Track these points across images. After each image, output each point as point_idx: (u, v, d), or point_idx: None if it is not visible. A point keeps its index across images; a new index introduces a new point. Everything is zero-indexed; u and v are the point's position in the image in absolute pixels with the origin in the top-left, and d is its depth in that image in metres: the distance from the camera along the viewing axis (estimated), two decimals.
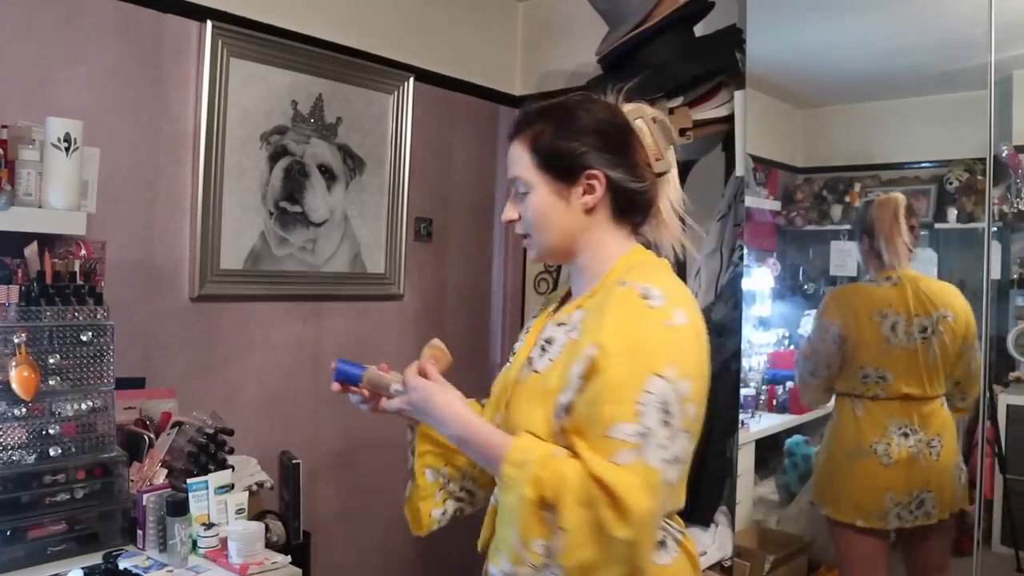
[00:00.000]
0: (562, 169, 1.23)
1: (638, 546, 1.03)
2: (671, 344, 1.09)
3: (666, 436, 1.05)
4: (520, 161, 1.25)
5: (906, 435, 1.93)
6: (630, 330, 1.09)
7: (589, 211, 1.23)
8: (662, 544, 1.19)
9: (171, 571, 1.69)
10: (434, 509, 1.40)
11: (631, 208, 1.26)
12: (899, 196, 1.99)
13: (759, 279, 2.33)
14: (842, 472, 2.03)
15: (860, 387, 2.00)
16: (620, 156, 1.23)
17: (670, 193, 1.29)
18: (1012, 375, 1.91)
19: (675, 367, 1.07)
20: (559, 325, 1.24)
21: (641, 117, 1.27)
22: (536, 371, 1.21)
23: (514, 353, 1.34)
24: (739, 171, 2.17)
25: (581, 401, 1.10)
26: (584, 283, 1.27)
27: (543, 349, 1.23)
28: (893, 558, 2.01)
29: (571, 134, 1.23)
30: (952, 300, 1.93)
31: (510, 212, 1.28)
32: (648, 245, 1.30)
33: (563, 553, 1.04)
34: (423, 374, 1.27)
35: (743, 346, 2.20)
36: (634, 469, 1.03)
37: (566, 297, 1.35)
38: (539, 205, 1.24)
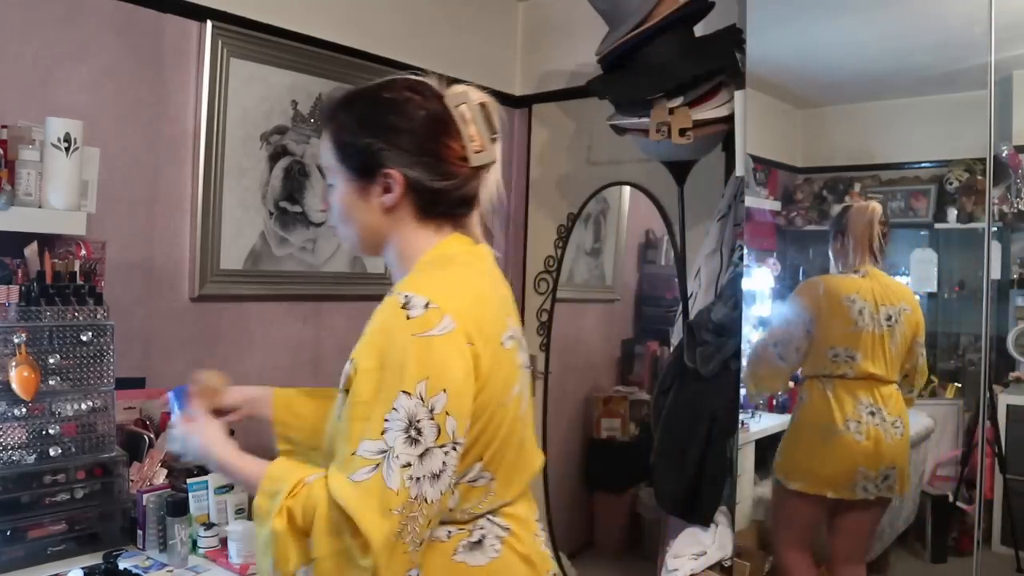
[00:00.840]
0: (358, 166, 1.17)
1: (379, 571, 0.99)
2: (423, 358, 1.02)
3: (413, 454, 1.00)
4: (325, 152, 1.21)
5: (872, 414, 2.06)
6: (382, 344, 1.04)
7: (389, 210, 1.17)
8: (478, 544, 1.14)
9: (171, 571, 1.69)
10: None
11: (438, 206, 1.18)
12: (875, 205, 2.10)
13: (759, 279, 2.33)
14: (815, 449, 2.14)
15: (830, 366, 2.10)
16: (422, 154, 1.15)
17: (490, 188, 1.21)
18: (1012, 375, 1.91)
19: (425, 382, 1.01)
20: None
21: (465, 103, 1.18)
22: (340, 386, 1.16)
23: None
24: (739, 171, 2.17)
25: (341, 413, 1.07)
26: (397, 279, 1.21)
27: (352, 360, 1.17)
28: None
29: (369, 128, 1.16)
30: (908, 296, 2.09)
31: (323, 202, 1.26)
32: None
33: None
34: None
35: (743, 346, 2.20)
36: (369, 489, 0.99)
37: None
38: (340, 201, 1.19)
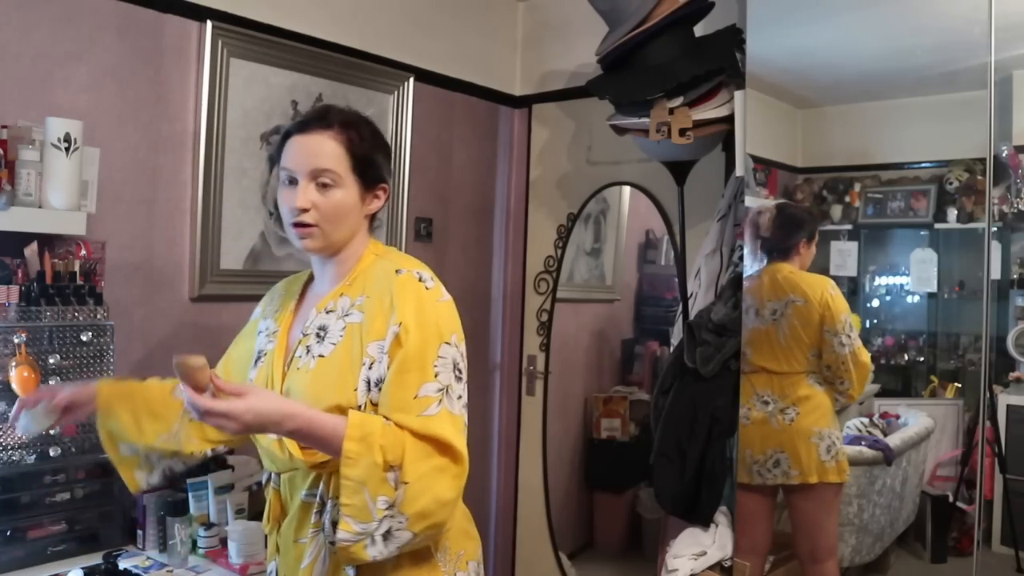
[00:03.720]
0: (370, 177, 1.39)
1: (463, 476, 1.25)
2: (448, 316, 1.34)
3: (462, 388, 1.31)
4: (334, 156, 1.35)
5: (766, 403, 2.15)
6: (419, 308, 1.30)
7: (367, 216, 1.43)
8: None
9: (171, 571, 1.69)
10: (147, 476, 1.55)
11: (378, 213, 1.47)
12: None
13: None
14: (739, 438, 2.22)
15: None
16: (390, 173, 1.48)
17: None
18: (1012, 375, 1.91)
19: (455, 334, 1.33)
20: (328, 312, 1.37)
21: None
22: (322, 356, 1.33)
23: (263, 352, 1.46)
24: (739, 171, 2.17)
25: (390, 372, 1.28)
26: (336, 275, 1.42)
27: (319, 337, 1.36)
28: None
29: (380, 147, 1.43)
30: (805, 289, 2.13)
31: (303, 200, 1.33)
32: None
33: (406, 502, 1.20)
34: (218, 392, 1.22)
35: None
36: (442, 418, 1.25)
37: (304, 294, 1.49)
38: (343, 203, 1.36)
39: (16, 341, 1.64)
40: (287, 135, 1.40)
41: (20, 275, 1.74)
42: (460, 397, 1.30)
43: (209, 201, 2.22)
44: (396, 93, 2.71)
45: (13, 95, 1.88)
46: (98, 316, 1.79)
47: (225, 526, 1.84)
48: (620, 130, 2.41)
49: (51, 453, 1.68)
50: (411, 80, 2.73)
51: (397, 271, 1.34)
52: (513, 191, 3.21)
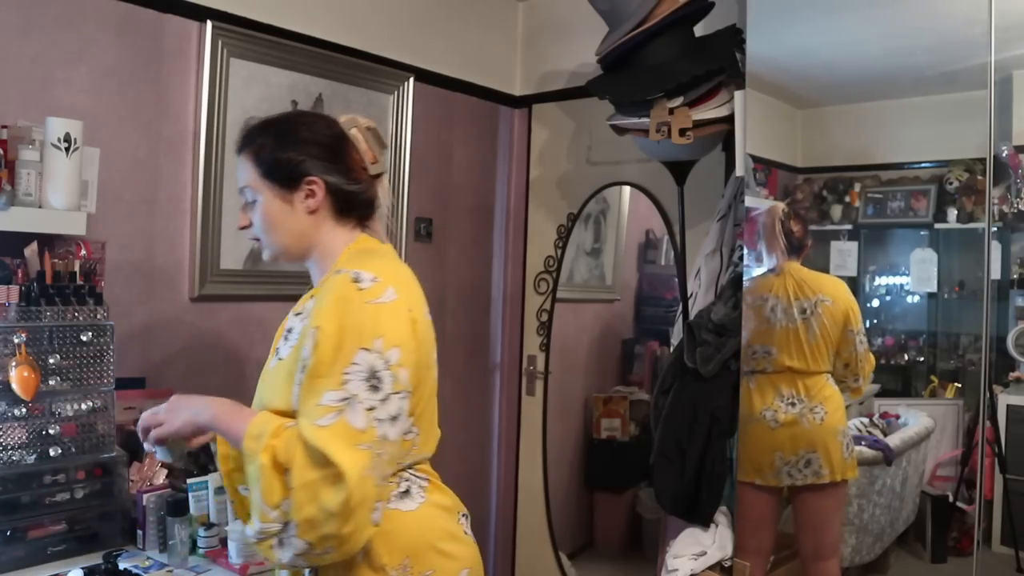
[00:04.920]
0: (284, 177, 1.37)
1: (352, 498, 1.15)
2: (377, 320, 1.23)
3: (376, 399, 1.20)
4: (246, 172, 1.39)
5: (793, 404, 2.13)
6: (341, 310, 1.23)
7: (312, 212, 1.38)
8: (406, 493, 1.33)
9: (171, 571, 1.69)
10: None
11: (351, 207, 1.42)
12: (778, 206, 2.18)
13: None
14: (742, 438, 2.21)
15: (751, 363, 2.18)
16: (335, 163, 1.39)
17: (382, 192, 1.47)
18: (1012, 375, 1.90)
19: (381, 339, 1.22)
20: (296, 315, 1.38)
21: (356, 127, 1.42)
22: (281, 358, 1.35)
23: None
24: (739, 171, 2.17)
25: (304, 376, 1.23)
26: (317, 276, 1.43)
27: (285, 338, 1.37)
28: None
29: (290, 145, 1.37)
30: (830, 288, 2.14)
31: (242, 219, 1.43)
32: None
33: (294, 509, 1.16)
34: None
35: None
36: (335, 430, 1.17)
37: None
38: (266, 211, 1.38)
39: (16, 341, 1.64)
40: None
41: (20, 275, 1.74)
42: (372, 409, 1.19)
43: (209, 201, 2.23)
44: (396, 93, 2.71)
45: (13, 95, 1.88)
46: (98, 316, 1.79)
47: (225, 526, 1.84)
48: (620, 130, 2.41)
49: (51, 453, 1.68)
50: (411, 80, 2.73)
51: (337, 271, 1.29)
52: (513, 191, 3.21)
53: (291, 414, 1.27)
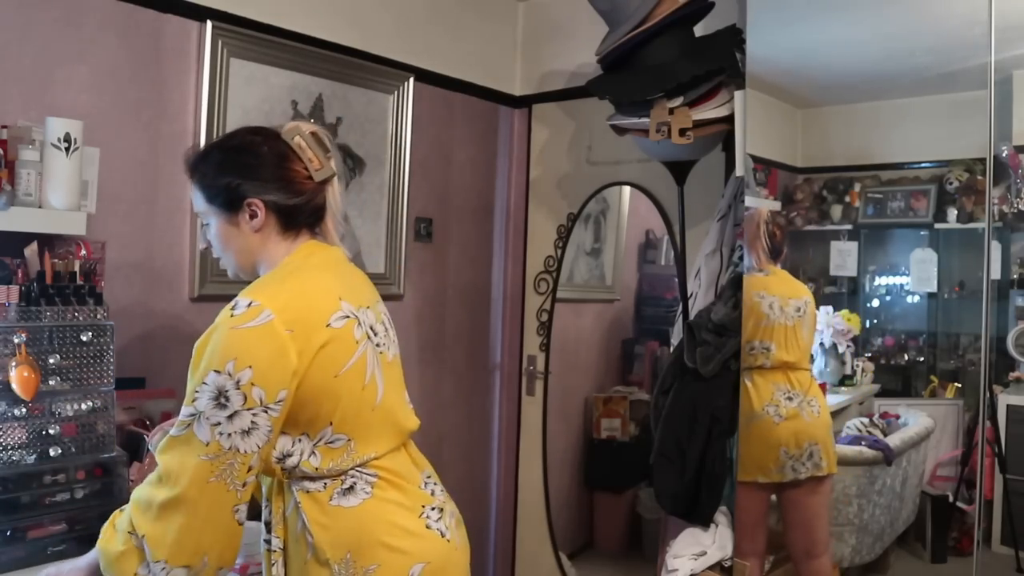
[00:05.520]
0: (226, 202, 1.43)
1: (186, 499, 1.26)
2: (232, 344, 1.28)
3: (222, 415, 1.27)
4: (196, 199, 1.47)
5: (791, 398, 2.16)
6: (207, 336, 1.31)
7: (258, 231, 1.44)
8: (349, 489, 1.38)
9: None
10: None
11: (297, 219, 1.45)
12: (762, 210, 2.21)
13: None
14: (743, 437, 2.20)
15: (749, 359, 2.19)
16: (274, 180, 1.43)
17: (332, 196, 1.49)
18: (1012, 375, 1.91)
19: (233, 362, 1.27)
20: None
21: (299, 135, 1.45)
22: None
23: None
24: (739, 171, 2.17)
25: None
26: None
27: None
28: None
29: (228, 170, 1.43)
30: (805, 292, 2.23)
31: (201, 241, 1.53)
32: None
33: (139, 526, 1.29)
34: None
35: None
36: (181, 439, 1.28)
37: None
38: (218, 233, 1.46)
39: (16, 341, 1.64)
40: None
41: (20, 275, 1.74)
42: (217, 424, 1.27)
43: None
44: (396, 93, 2.71)
45: (13, 95, 1.88)
46: (98, 316, 1.78)
47: None
48: (620, 130, 2.41)
49: (51, 453, 1.68)
50: (411, 80, 2.73)
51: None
52: (513, 191, 3.21)
53: None
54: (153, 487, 1.29)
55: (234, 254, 1.47)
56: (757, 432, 2.17)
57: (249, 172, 1.42)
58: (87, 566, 1.43)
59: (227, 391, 1.27)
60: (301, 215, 1.45)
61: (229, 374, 1.28)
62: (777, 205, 2.32)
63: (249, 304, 1.31)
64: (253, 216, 1.43)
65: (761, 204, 2.21)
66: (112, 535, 1.33)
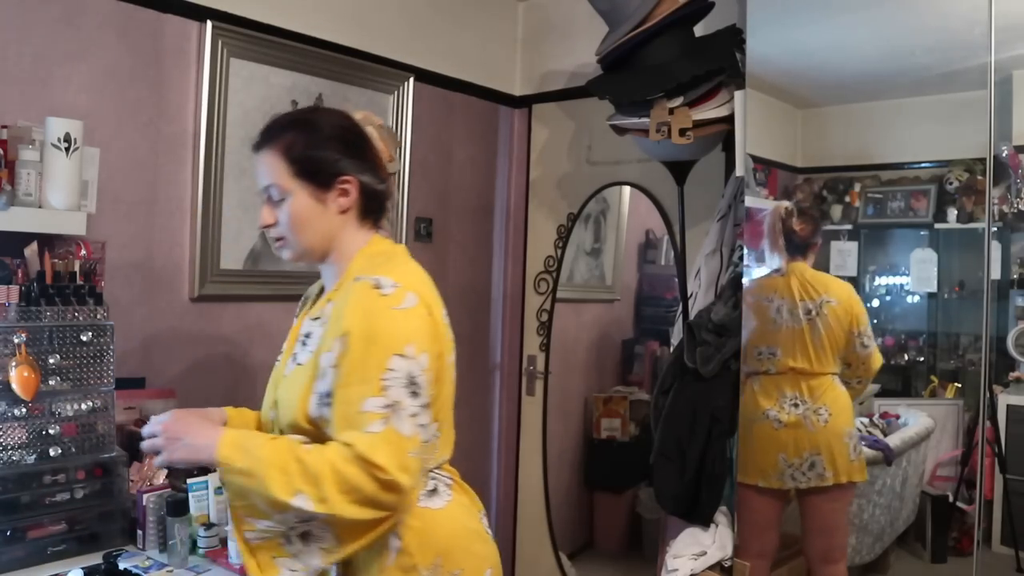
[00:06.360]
0: (318, 176, 1.33)
1: (401, 506, 1.19)
2: (404, 326, 1.22)
3: (417, 404, 1.20)
4: (273, 169, 1.33)
5: (796, 405, 2.12)
6: (367, 316, 1.21)
7: (344, 212, 1.36)
8: (434, 491, 1.34)
9: (171, 571, 1.69)
10: None
11: (376, 206, 1.40)
12: (779, 205, 2.17)
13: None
14: (743, 439, 2.20)
15: (755, 363, 2.17)
16: (366, 161, 1.37)
17: (394, 193, 1.46)
18: (1012, 375, 1.90)
19: (412, 345, 1.21)
20: (315, 320, 1.34)
21: (371, 124, 1.41)
22: (300, 364, 1.32)
23: (282, 352, 1.46)
24: (739, 171, 2.17)
25: (335, 387, 1.22)
26: (333, 278, 1.40)
27: (303, 343, 1.34)
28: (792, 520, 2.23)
29: (322, 143, 1.34)
30: (836, 290, 2.13)
31: (267, 217, 1.36)
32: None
33: (335, 505, 1.15)
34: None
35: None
36: (386, 438, 1.16)
37: (320, 293, 1.46)
38: (298, 210, 1.33)
39: (16, 341, 1.64)
40: None
41: (20, 275, 1.74)
42: (415, 415, 1.19)
43: (209, 201, 2.22)
44: (396, 93, 2.71)
45: (13, 95, 1.88)
46: (98, 316, 1.79)
47: (225, 526, 1.83)
48: (620, 130, 2.41)
49: (51, 453, 1.68)
50: (411, 80, 2.73)
51: (356, 278, 1.27)
52: (513, 191, 3.21)
53: (308, 421, 1.26)
54: (374, 486, 1.15)
55: (311, 235, 1.35)
56: (757, 436, 2.16)
57: (351, 150, 1.35)
58: (210, 460, 1.25)
59: (415, 377, 1.21)
60: (379, 204, 1.40)
61: (413, 358, 1.21)
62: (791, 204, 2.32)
63: (393, 284, 1.24)
64: (343, 195, 1.34)
65: (767, 203, 2.19)
66: (283, 482, 1.16)
